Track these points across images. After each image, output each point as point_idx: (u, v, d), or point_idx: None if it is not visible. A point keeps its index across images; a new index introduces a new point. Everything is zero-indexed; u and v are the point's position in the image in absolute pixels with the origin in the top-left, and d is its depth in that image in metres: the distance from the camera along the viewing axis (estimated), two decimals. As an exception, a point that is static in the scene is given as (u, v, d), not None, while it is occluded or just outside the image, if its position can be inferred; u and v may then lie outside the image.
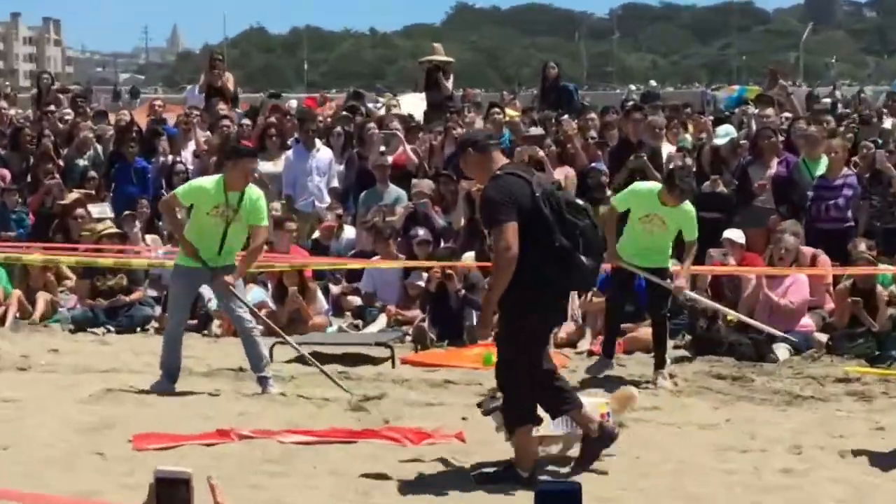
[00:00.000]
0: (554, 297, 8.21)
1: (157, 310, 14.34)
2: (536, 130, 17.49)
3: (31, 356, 12.49)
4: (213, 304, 13.84)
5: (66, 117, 19.43)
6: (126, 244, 15.48)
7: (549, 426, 8.32)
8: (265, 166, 16.87)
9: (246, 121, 18.70)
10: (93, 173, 17.24)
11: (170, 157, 17.57)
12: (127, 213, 16.00)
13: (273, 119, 18.28)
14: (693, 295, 12.33)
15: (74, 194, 16.55)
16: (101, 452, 8.77)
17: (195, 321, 13.92)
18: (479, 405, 8.50)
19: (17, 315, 14.44)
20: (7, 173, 17.21)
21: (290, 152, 17.08)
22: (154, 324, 14.27)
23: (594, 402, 8.59)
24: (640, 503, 7.79)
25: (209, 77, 19.99)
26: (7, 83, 36.59)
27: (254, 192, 10.95)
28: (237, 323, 11.07)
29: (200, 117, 18.82)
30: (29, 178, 17.62)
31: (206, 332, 13.97)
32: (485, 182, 8.21)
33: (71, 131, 18.48)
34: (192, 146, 17.96)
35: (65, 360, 12.27)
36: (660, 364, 11.49)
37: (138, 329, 14.19)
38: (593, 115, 18.42)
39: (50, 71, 37.78)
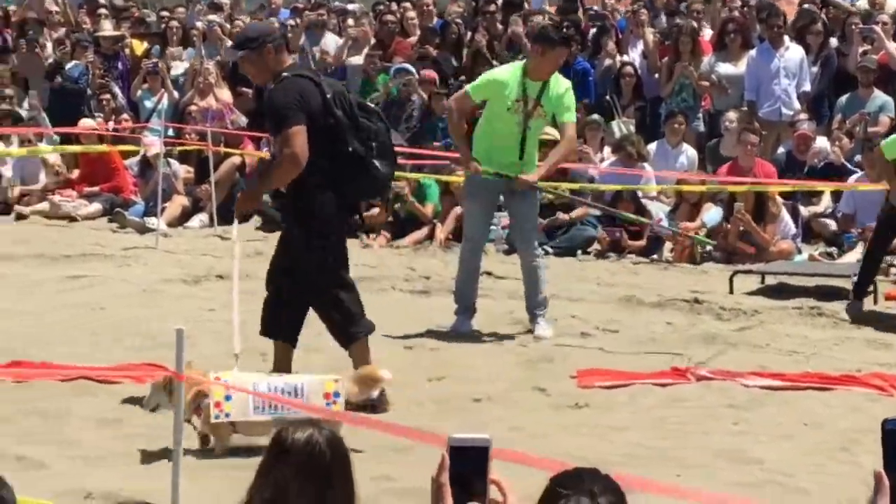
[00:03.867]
0: (344, 205, 8.56)
1: (601, 230, 14.49)
2: None
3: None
4: (664, 224, 13.91)
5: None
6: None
7: (249, 411, 7.55)
8: (725, 68, 16.69)
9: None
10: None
11: (617, 59, 17.62)
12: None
13: (735, 13, 17.97)
14: None
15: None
16: (543, 388, 8.98)
17: (642, 243, 14.03)
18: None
19: (451, 235, 14.93)
20: (435, 75, 17.68)
21: (753, 52, 16.76)
22: (596, 246, 14.45)
23: (320, 380, 7.80)
24: None
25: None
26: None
27: (561, 82, 10.60)
28: (521, 245, 10.96)
29: (647, 8, 18.77)
30: (462, 81, 18.10)
31: (654, 256, 14.05)
32: (266, 83, 8.77)
33: (504, 28, 18.80)
34: (640, 45, 17.94)
35: (499, 286, 12.60)
36: None
37: (579, 252, 14.39)
38: None
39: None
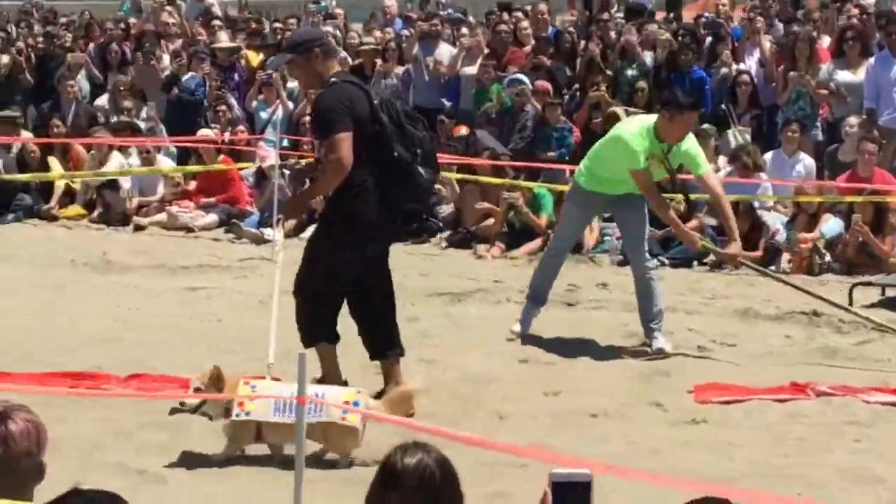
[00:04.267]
0: (386, 210, 8.55)
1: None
2: None
3: (579, 290, 12.85)
4: (781, 237, 13.77)
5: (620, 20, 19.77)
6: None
7: (270, 411, 7.57)
8: (843, 76, 16.46)
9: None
10: (642, 84, 17.40)
11: (733, 67, 17.44)
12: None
13: (853, 20, 17.73)
14: None
15: (619, 109, 16.76)
16: (660, 403, 8.92)
17: (759, 253, 13.87)
18: None
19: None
20: (549, 86, 17.63)
21: (872, 59, 16.51)
22: (711, 258, 14.31)
23: (340, 391, 7.88)
24: None
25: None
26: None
27: (684, 141, 10.33)
28: (632, 256, 10.87)
29: (762, 16, 18.58)
30: (576, 90, 18.07)
31: (772, 267, 13.89)
32: (315, 88, 8.87)
33: (619, 37, 18.72)
34: (756, 53, 17.75)
35: (614, 297, 12.54)
36: None
37: (695, 263, 14.26)
38: None
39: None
